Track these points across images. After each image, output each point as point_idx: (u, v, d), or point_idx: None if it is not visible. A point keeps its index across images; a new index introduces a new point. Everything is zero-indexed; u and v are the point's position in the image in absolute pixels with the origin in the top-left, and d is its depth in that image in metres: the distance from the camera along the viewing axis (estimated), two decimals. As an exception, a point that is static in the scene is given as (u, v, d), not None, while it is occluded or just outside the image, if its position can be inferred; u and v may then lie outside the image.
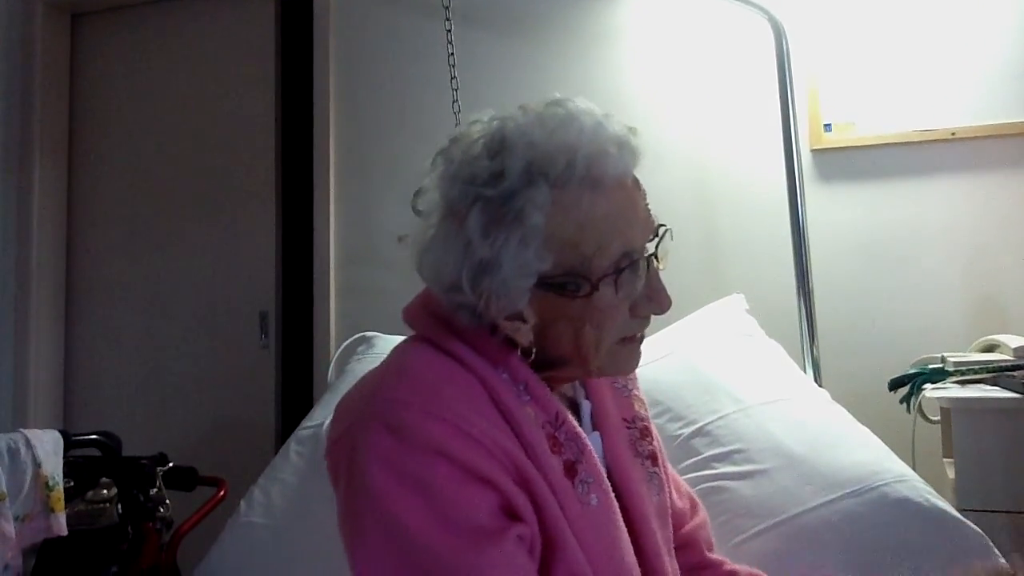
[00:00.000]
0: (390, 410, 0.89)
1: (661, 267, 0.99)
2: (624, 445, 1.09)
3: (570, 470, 0.96)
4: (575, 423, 1.00)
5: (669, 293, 0.99)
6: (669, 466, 1.22)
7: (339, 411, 0.97)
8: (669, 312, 1.00)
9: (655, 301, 0.98)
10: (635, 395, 1.18)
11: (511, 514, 0.89)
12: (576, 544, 0.92)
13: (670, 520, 1.13)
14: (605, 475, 1.00)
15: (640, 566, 1.00)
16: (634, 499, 1.05)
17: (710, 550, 1.22)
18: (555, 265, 0.92)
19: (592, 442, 1.02)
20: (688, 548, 1.18)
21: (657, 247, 0.98)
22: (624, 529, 1.00)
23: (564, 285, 0.93)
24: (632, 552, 1.00)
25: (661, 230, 0.99)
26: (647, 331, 1.04)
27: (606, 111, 0.96)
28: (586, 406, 1.09)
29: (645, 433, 1.14)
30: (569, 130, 0.92)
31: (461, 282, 0.92)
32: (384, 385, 0.94)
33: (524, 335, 0.96)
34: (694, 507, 1.26)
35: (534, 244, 0.90)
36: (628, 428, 1.12)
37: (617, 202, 0.93)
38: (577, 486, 0.96)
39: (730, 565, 1.21)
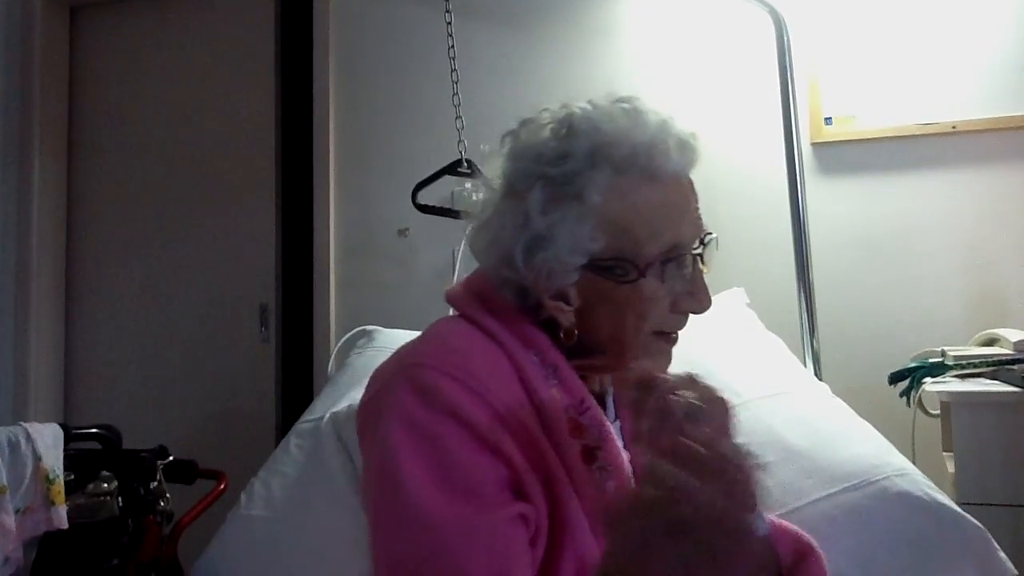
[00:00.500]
0: (416, 370, 0.93)
1: (706, 271, 1.02)
2: None
3: (589, 456, 0.98)
4: (600, 412, 1.02)
5: None
6: None
7: (372, 377, 1.02)
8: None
9: (696, 298, 1.01)
10: None
11: (518, 492, 0.90)
12: (587, 528, 0.93)
13: None
14: (627, 462, 1.01)
15: None
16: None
17: None
18: (606, 248, 0.96)
19: (614, 429, 1.03)
20: None
21: (703, 252, 1.01)
22: None
23: (612, 268, 0.97)
24: None
25: (707, 237, 1.02)
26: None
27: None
28: (611, 392, 1.12)
29: None
30: (635, 123, 0.97)
31: (514, 255, 0.97)
32: (415, 350, 0.98)
33: (566, 317, 0.99)
34: None
35: (589, 223, 0.95)
36: None
37: (672, 196, 0.98)
38: (594, 471, 0.97)
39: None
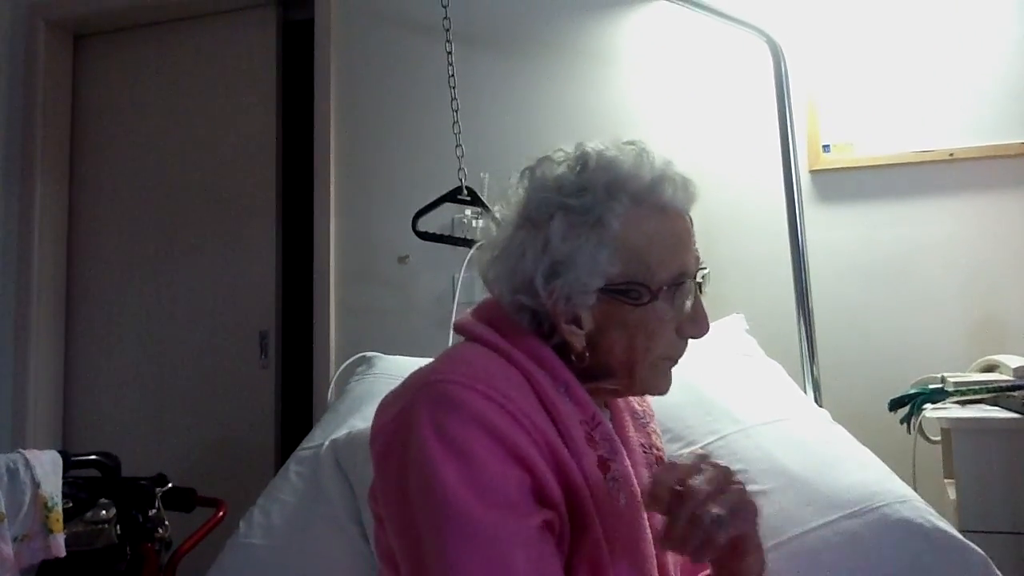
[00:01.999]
0: (441, 387, 0.95)
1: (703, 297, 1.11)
2: (640, 464, 1.14)
3: (603, 465, 1.02)
4: (610, 427, 1.08)
5: None
6: None
7: (385, 403, 1.03)
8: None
9: (698, 323, 1.09)
10: (652, 428, 1.25)
11: (541, 499, 0.93)
12: (601, 535, 0.97)
13: None
14: (635, 480, 1.06)
15: None
16: (650, 515, 1.07)
17: None
18: (622, 272, 1.03)
19: None
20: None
21: (702, 281, 1.11)
22: (650, 537, 1.04)
23: (627, 292, 1.03)
24: (655, 561, 1.04)
25: (704, 271, 1.12)
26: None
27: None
28: (607, 416, 1.15)
29: (660, 461, 1.20)
30: (643, 161, 1.06)
31: (535, 281, 1.03)
32: (434, 369, 1.00)
33: (579, 340, 1.05)
34: None
35: (608, 248, 1.02)
36: (645, 453, 1.18)
37: (678, 228, 1.07)
38: (608, 482, 1.01)
39: None
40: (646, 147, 1.08)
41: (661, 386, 1.13)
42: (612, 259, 1.02)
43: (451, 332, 1.21)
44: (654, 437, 1.23)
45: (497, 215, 1.11)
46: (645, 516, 1.04)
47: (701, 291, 1.10)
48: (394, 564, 1.02)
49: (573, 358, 1.05)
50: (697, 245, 1.11)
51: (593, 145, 1.08)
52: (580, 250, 1.01)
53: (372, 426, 1.03)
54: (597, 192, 1.03)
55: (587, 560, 0.95)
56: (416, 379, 1.01)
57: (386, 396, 1.04)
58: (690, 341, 1.12)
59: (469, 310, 1.16)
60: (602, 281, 1.02)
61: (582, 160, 1.06)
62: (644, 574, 1.01)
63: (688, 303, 1.07)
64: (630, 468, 1.05)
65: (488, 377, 0.96)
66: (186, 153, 3.23)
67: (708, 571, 1.23)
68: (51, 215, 3.26)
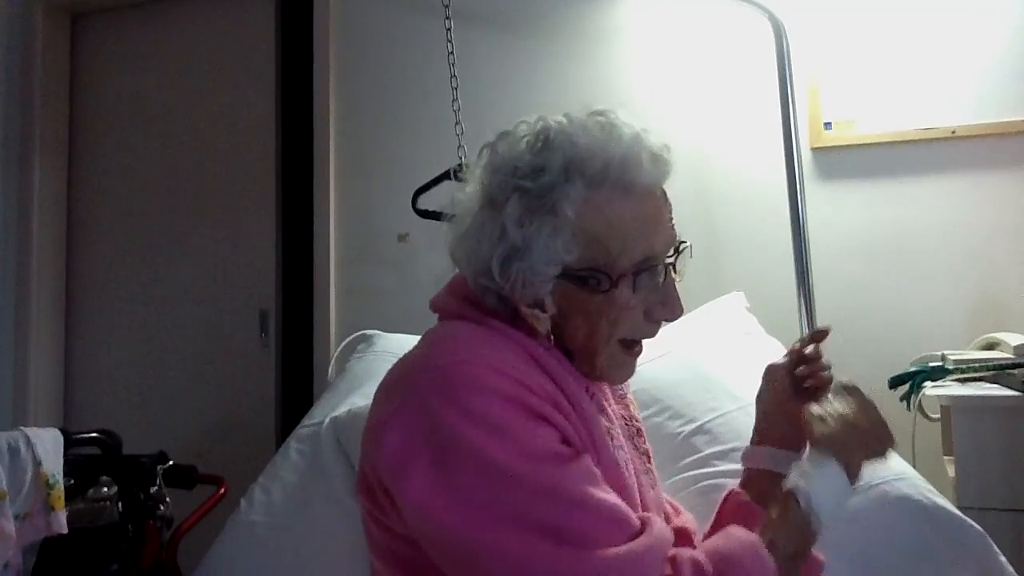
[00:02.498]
0: (449, 369, 0.94)
1: (678, 279, 1.06)
2: (624, 437, 1.14)
3: (608, 432, 1.04)
4: (601, 397, 1.08)
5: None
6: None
7: (384, 391, 1.01)
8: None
9: (668, 307, 1.04)
10: (629, 399, 1.25)
11: (572, 445, 0.95)
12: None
13: (663, 515, 1.16)
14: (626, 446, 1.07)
15: None
16: (637, 486, 1.08)
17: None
18: (580, 259, 0.99)
19: None
20: (682, 537, 1.18)
21: (676, 260, 1.05)
22: (639, 506, 1.04)
23: (586, 279, 1.00)
24: None
25: (682, 245, 1.06)
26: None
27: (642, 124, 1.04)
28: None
29: (640, 433, 1.21)
30: (609, 136, 0.99)
31: (491, 266, 1.00)
32: (432, 353, 0.99)
33: (543, 324, 1.02)
34: (677, 510, 1.28)
35: (564, 235, 0.97)
36: (627, 425, 1.18)
37: (645, 209, 1.01)
38: (615, 450, 1.03)
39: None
40: (615, 118, 1.02)
41: (621, 375, 1.10)
42: (569, 246, 0.97)
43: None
44: (632, 408, 1.24)
45: (460, 194, 1.08)
46: (636, 486, 1.05)
47: (676, 270, 1.05)
48: (390, 558, 1.02)
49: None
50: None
51: (556, 119, 1.03)
52: (535, 237, 0.97)
53: (370, 420, 1.00)
54: (553, 174, 0.98)
55: None
56: (412, 368, 0.99)
57: (378, 391, 1.02)
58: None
59: (443, 288, 1.16)
60: (558, 269, 0.98)
61: (542, 136, 1.01)
62: None
63: (657, 287, 1.02)
64: (623, 438, 1.07)
65: (492, 352, 0.96)
66: (186, 133, 3.22)
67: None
68: (51, 195, 3.25)
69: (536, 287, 0.99)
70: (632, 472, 1.07)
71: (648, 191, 1.01)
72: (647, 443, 1.22)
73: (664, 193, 1.04)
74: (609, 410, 1.14)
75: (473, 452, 0.88)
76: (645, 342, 1.09)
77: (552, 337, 1.03)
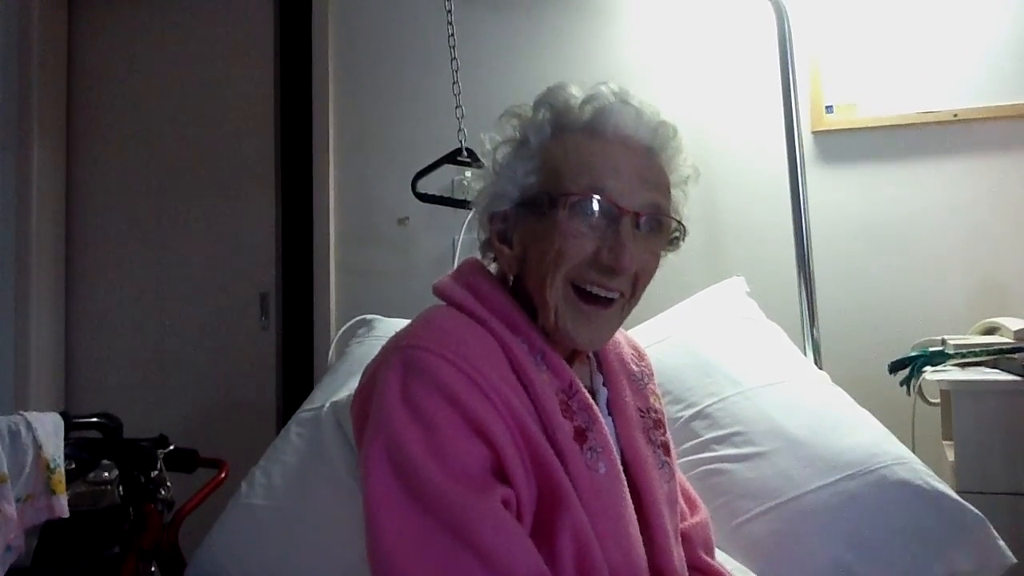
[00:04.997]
0: (412, 352, 0.97)
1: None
2: (638, 431, 1.13)
3: (580, 436, 1.01)
4: (588, 395, 1.06)
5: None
6: (677, 467, 1.24)
7: (368, 364, 1.07)
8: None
9: (615, 254, 1.02)
10: (651, 389, 1.24)
11: (501, 476, 0.93)
12: (579, 505, 0.96)
13: (678, 509, 1.17)
14: (616, 450, 1.05)
15: (647, 546, 1.03)
16: (646, 481, 1.08)
17: (708, 553, 1.23)
18: (536, 184, 1.07)
19: (607, 426, 1.07)
20: (684, 543, 1.18)
21: (641, 222, 1.04)
22: (630, 503, 1.03)
23: (535, 202, 1.06)
24: (637, 527, 1.03)
25: (674, 224, 1.09)
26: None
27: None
28: (603, 393, 1.14)
29: (658, 424, 1.19)
30: (593, 95, 1.08)
31: (480, 208, 1.12)
32: (408, 334, 1.01)
33: (509, 261, 1.09)
34: (694, 507, 1.27)
35: (528, 162, 1.08)
36: (642, 417, 1.17)
37: (611, 152, 1.04)
38: (585, 452, 1.00)
39: (715, 572, 1.20)
40: (615, 87, 1.09)
41: (584, 331, 1.06)
42: (529, 170, 1.07)
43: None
44: (652, 399, 1.22)
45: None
46: (626, 485, 1.03)
47: (639, 226, 1.04)
48: None
49: (511, 281, 1.11)
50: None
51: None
52: (508, 166, 1.09)
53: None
54: (534, 120, 1.09)
55: (570, 533, 0.94)
56: (391, 342, 1.02)
57: (370, 360, 1.07)
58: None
59: (449, 272, 1.17)
60: (517, 192, 1.07)
61: (540, 102, 1.12)
62: (628, 541, 1.00)
63: (601, 226, 1.02)
64: (609, 438, 1.04)
65: (460, 344, 0.97)
66: (185, 114, 3.20)
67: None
68: (48, 177, 3.23)
69: (498, 203, 1.09)
70: (617, 476, 1.03)
71: (620, 138, 1.05)
72: (667, 435, 1.21)
73: (650, 156, 1.07)
74: (627, 401, 1.15)
75: (394, 437, 0.91)
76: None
77: (518, 278, 1.10)
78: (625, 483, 1.03)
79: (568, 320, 1.05)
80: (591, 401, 1.06)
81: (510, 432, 0.94)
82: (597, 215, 1.02)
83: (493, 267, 1.16)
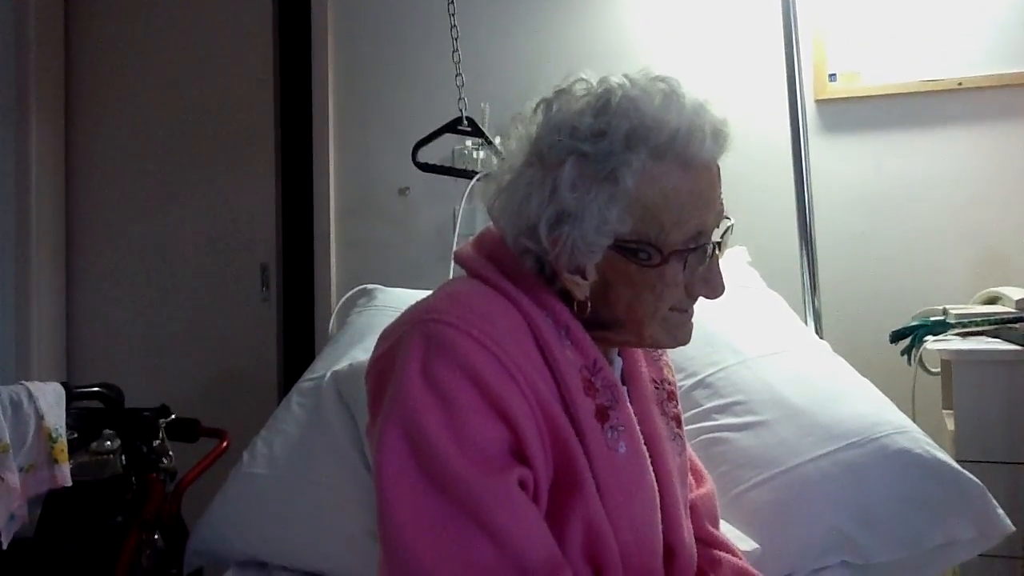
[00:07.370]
0: (434, 326, 0.93)
1: (721, 256, 1.03)
2: (651, 402, 1.12)
3: (601, 414, 0.99)
4: (612, 373, 1.03)
5: None
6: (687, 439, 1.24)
7: (384, 335, 1.02)
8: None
9: (711, 286, 1.02)
10: (664, 361, 1.23)
11: (519, 457, 0.92)
12: (594, 490, 0.95)
13: (687, 481, 1.17)
14: (637, 426, 1.03)
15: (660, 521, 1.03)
16: (659, 452, 1.07)
17: (713, 524, 1.23)
18: (632, 231, 0.96)
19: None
20: (691, 515, 1.17)
21: (723, 238, 1.03)
22: (653, 483, 1.02)
23: (636, 252, 0.97)
24: (657, 507, 1.02)
25: (726, 223, 1.03)
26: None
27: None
28: (617, 363, 1.12)
29: (671, 396, 1.19)
30: (671, 106, 0.95)
31: (539, 228, 0.97)
32: (432, 306, 0.98)
33: (581, 290, 0.99)
34: (700, 479, 1.28)
35: (619, 205, 0.94)
36: (656, 389, 1.16)
37: (701, 184, 0.97)
38: (607, 432, 0.98)
39: (720, 544, 1.21)
40: (678, 86, 0.98)
41: (678, 338, 1.06)
42: (623, 217, 0.94)
43: (452, 263, 1.18)
44: (666, 371, 1.21)
45: (501, 146, 1.07)
46: (649, 464, 1.02)
47: (720, 249, 1.02)
48: None
49: (575, 306, 1.01)
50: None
51: (619, 81, 0.98)
52: (589, 204, 0.94)
53: (370, 358, 1.02)
54: (615, 141, 0.93)
55: (581, 521, 0.94)
56: (413, 314, 0.99)
57: (386, 328, 1.03)
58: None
59: (470, 240, 1.11)
60: (610, 239, 0.95)
61: (604, 98, 0.96)
62: (645, 523, 1.00)
63: (704, 264, 1.00)
64: (632, 416, 1.03)
65: (485, 321, 0.94)
66: (184, 86, 3.18)
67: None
68: (48, 148, 3.21)
69: (583, 255, 0.96)
70: (639, 455, 1.02)
71: (705, 166, 0.98)
72: (678, 406, 1.20)
73: (719, 169, 1.01)
74: (643, 371, 1.14)
75: (412, 414, 0.89)
76: None
77: (590, 305, 1.00)
78: (648, 461, 1.02)
79: (664, 334, 1.04)
80: (615, 379, 1.03)
81: (532, 413, 0.92)
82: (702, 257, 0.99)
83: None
